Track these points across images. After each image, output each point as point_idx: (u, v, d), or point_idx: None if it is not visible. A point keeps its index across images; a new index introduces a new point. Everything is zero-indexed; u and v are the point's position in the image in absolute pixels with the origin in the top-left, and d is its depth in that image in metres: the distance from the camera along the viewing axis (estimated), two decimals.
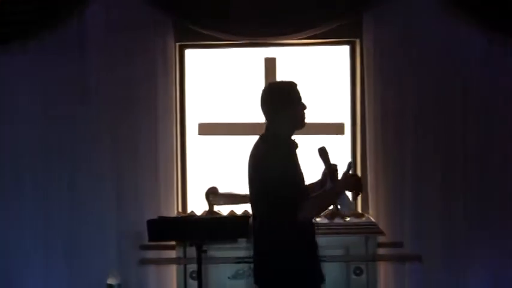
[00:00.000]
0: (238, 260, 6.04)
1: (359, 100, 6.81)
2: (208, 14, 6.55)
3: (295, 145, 4.74)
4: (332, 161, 4.75)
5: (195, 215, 6.49)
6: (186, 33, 6.74)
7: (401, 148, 6.67)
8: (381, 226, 6.36)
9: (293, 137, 4.73)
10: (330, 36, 6.73)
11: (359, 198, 6.56)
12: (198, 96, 6.96)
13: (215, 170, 6.87)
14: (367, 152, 6.70)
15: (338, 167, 4.75)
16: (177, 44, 6.83)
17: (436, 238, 6.62)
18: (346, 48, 6.94)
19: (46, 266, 6.65)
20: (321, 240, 4.89)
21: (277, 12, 6.51)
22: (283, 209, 4.51)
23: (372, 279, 6.11)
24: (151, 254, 6.38)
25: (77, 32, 6.64)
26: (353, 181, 4.72)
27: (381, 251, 6.40)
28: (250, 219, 5.81)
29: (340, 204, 4.90)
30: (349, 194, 4.69)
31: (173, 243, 6.17)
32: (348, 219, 6.29)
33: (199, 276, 5.63)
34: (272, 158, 4.58)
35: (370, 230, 6.20)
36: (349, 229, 6.15)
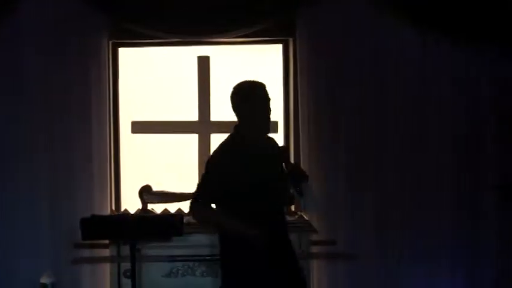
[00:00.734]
0: (172, 259, 6.06)
1: (292, 98, 6.85)
2: (142, 12, 6.53)
3: (255, 147, 4.77)
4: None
5: (129, 214, 6.49)
6: (119, 32, 6.70)
7: (335, 146, 6.71)
8: (314, 224, 6.42)
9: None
10: (264, 34, 6.77)
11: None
12: (132, 95, 6.92)
13: (149, 168, 6.82)
14: (301, 150, 6.73)
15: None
16: (111, 42, 6.78)
17: (369, 237, 6.66)
18: (280, 47, 6.97)
19: None
20: None
21: (210, 11, 6.52)
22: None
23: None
24: (86, 253, 6.37)
25: (10, 30, 6.54)
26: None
27: (314, 249, 6.48)
28: (184, 218, 5.87)
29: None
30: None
31: (107, 241, 6.16)
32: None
33: (133, 274, 5.64)
34: (212, 154, 4.81)
35: (303, 228, 6.27)
36: None
